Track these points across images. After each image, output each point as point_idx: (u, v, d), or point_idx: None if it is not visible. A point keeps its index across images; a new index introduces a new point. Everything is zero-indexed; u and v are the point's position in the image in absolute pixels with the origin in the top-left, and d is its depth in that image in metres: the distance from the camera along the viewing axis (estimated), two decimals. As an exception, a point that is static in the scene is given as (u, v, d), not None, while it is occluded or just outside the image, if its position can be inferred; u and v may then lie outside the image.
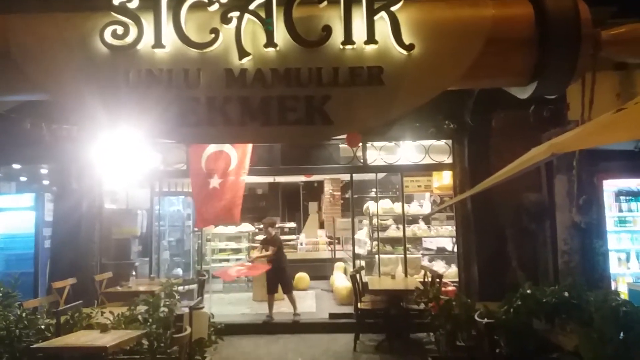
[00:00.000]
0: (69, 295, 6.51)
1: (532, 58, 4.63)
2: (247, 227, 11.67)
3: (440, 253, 9.58)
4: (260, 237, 11.81)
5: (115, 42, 4.69)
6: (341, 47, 4.66)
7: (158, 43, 4.68)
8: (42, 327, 4.62)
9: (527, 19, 4.60)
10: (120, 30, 4.68)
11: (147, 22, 4.69)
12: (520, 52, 4.69)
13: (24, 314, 4.67)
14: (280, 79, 4.72)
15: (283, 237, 10.92)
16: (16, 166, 10.29)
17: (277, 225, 8.97)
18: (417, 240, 9.72)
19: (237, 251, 11.62)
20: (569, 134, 3.92)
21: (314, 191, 15.42)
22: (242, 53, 4.67)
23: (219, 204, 7.85)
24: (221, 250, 11.61)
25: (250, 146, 7.93)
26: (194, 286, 7.91)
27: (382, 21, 4.61)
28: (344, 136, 7.27)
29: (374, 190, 9.57)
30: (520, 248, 6.87)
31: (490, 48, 4.50)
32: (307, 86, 4.73)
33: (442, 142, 8.13)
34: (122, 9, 4.66)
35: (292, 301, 8.41)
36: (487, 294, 6.41)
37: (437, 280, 6.84)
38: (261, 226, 12.72)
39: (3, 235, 8.03)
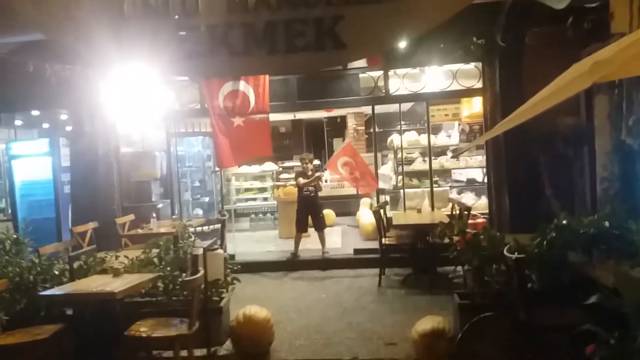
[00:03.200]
0: (92, 240, 6.50)
1: (571, -44, 4.02)
2: (271, 166, 11.50)
3: (470, 184, 9.23)
4: (285, 175, 11.67)
5: (103, -31, 4.29)
6: (353, -43, 4.14)
7: (149, -34, 4.25)
8: (57, 272, 4.55)
9: None
10: (106, -46, 4.25)
11: (135, -59, 4.24)
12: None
13: (37, 260, 4.60)
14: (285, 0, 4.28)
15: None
16: (35, 113, 10.21)
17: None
18: (445, 173, 9.39)
19: (262, 190, 11.54)
20: (615, 47, 3.34)
21: (338, 127, 14.98)
22: (242, -28, 4.21)
23: (248, 142, 7.61)
24: (247, 190, 11.56)
25: (266, 83, 7.55)
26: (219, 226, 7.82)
27: None
28: (362, 62, 6.80)
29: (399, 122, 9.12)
30: (555, 176, 6.41)
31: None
32: (315, 7, 4.25)
33: (471, 66, 7.54)
34: None
35: (322, 239, 8.23)
36: (519, 225, 6.09)
37: (465, 212, 6.53)
38: (286, 164, 12.64)
39: (22, 182, 8.03)
